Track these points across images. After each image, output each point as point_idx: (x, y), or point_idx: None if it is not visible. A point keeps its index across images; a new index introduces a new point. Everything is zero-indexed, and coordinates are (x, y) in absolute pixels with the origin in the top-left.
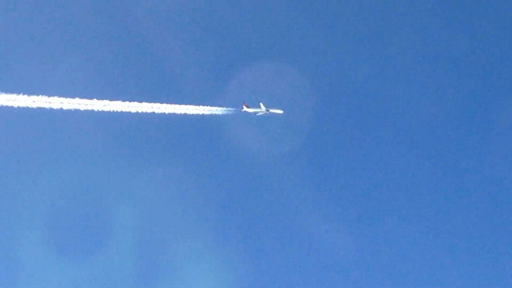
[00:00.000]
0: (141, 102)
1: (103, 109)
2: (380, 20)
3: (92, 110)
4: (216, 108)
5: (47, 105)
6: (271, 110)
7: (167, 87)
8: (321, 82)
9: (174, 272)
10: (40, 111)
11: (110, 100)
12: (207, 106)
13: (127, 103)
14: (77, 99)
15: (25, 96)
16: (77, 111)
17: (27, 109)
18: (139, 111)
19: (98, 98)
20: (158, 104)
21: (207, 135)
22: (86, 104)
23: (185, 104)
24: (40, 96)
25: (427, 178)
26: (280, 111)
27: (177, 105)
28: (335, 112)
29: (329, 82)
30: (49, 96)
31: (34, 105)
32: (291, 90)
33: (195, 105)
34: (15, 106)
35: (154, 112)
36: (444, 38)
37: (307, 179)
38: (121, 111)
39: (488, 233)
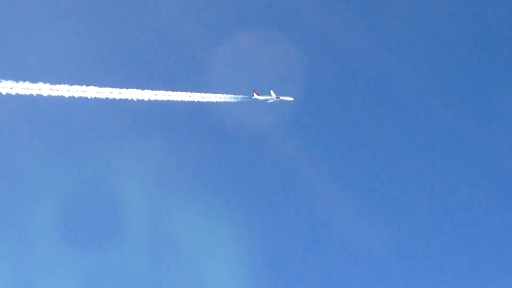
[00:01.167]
0: (144, 90)
1: (115, 97)
2: None
3: (107, 98)
4: (227, 95)
5: (53, 93)
6: (281, 97)
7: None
8: (322, 61)
9: (187, 256)
10: (43, 100)
11: (123, 88)
12: (218, 93)
13: (138, 90)
14: (96, 87)
15: (37, 84)
16: (93, 99)
17: (31, 97)
18: (148, 98)
19: (112, 86)
20: (170, 92)
21: (215, 121)
22: (97, 92)
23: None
24: (40, 83)
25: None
26: (291, 98)
27: (188, 93)
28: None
29: (329, 57)
30: (51, 84)
31: (43, 93)
32: (292, 69)
33: (202, 92)
34: (27, 94)
35: (161, 100)
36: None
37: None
38: (134, 99)
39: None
